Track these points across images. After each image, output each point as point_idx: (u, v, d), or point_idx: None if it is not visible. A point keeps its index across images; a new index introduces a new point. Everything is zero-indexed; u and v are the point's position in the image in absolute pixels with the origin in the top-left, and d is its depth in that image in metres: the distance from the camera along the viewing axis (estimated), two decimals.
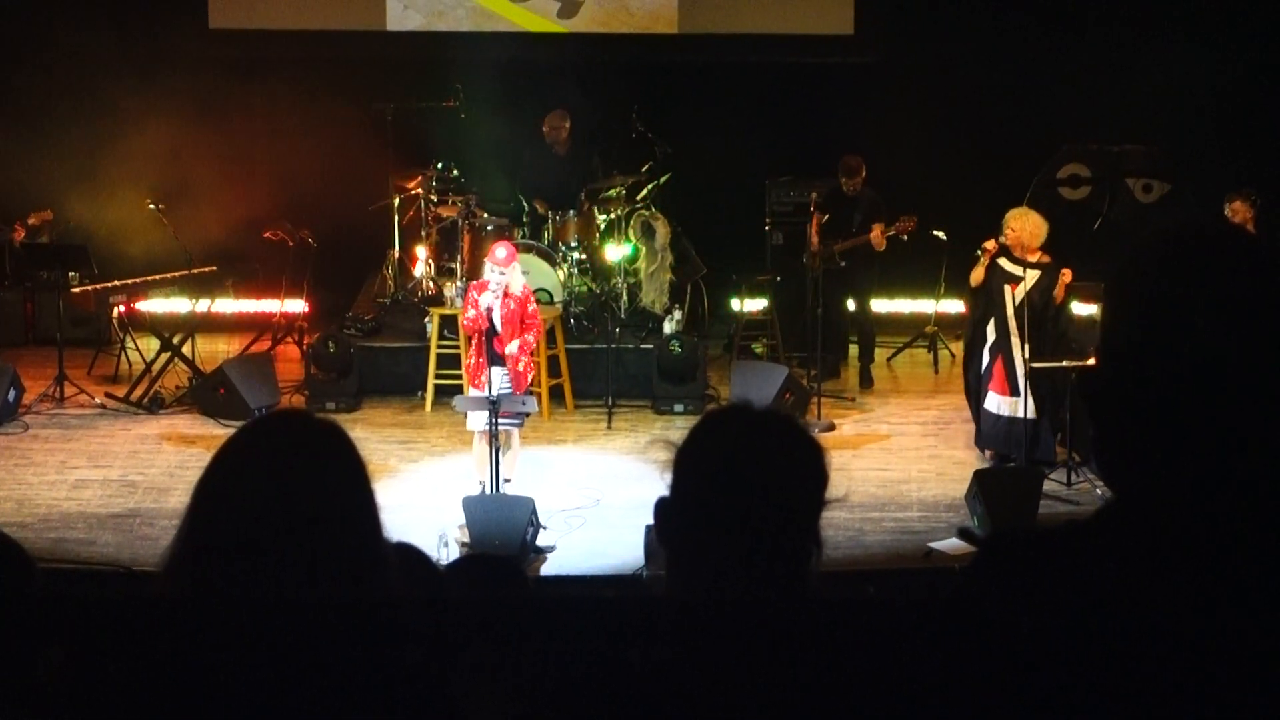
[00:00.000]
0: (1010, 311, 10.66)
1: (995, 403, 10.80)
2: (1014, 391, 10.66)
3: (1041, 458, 10.65)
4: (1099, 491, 9.98)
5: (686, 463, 2.33)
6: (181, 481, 10.43)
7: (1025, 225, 10.67)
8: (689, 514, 2.31)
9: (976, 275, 10.84)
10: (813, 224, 12.88)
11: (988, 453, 11.01)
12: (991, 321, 10.81)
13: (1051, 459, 10.67)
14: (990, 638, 1.88)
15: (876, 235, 12.61)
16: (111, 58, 13.92)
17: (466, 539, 9.45)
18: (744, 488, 2.28)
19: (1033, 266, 10.64)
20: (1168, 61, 13.47)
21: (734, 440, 2.33)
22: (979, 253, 10.83)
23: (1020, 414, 10.63)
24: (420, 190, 13.58)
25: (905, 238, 12.65)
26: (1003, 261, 10.74)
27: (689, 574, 2.31)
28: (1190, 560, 1.86)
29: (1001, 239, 10.74)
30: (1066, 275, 10.57)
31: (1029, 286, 10.61)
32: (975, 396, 11.07)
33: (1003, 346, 10.72)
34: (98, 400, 12.37)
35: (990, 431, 10.87)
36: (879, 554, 9.44)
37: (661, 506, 2.35)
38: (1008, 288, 10.67)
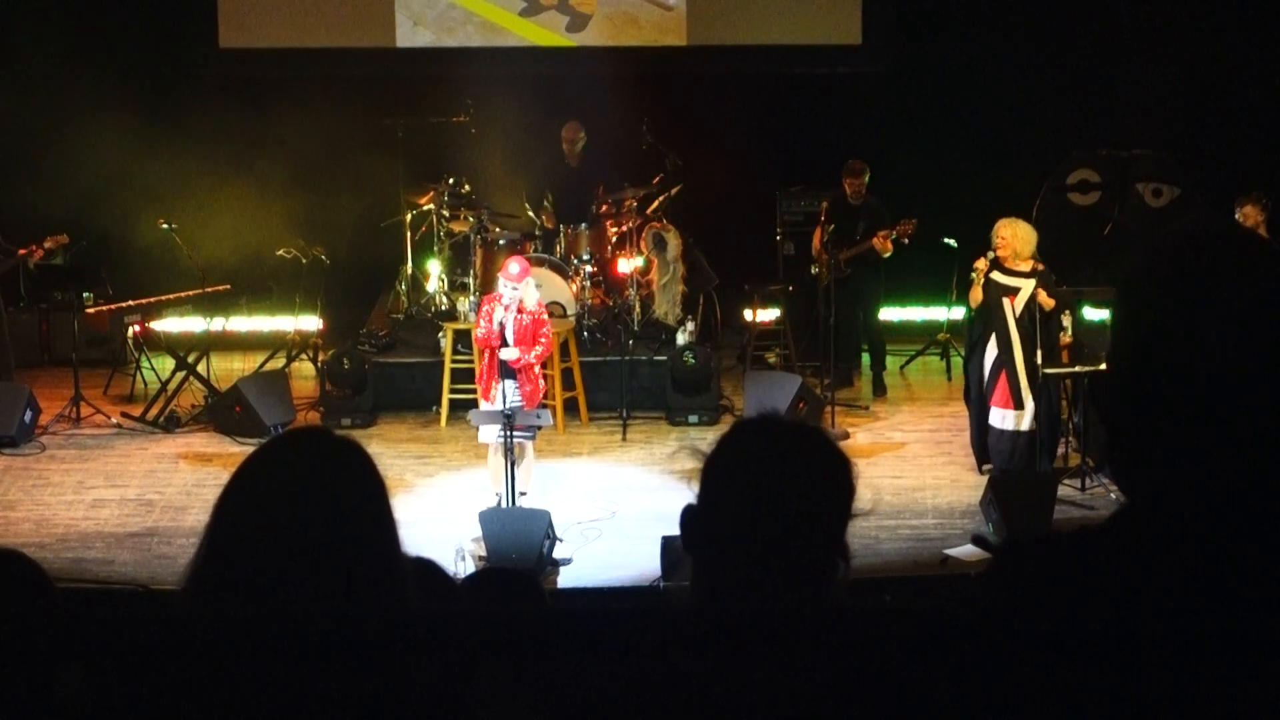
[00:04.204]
0: (1011, 324, 10.60)
1: (999, 417, 10.72)
2: (1018, 404, 10.61)
3: (1044, 469, 10.60)
4: (1114, 496, 9.96)
5: (715, 472, 2.33)
6: (199, 500, 10.45)
7: (1016, 233, 10.64)
8: (717, 523, 2.31)
9: (975, 296, 10.76)
10: (816, 233, 12.91)
11: (985, 466, 10.90)
12: (992, 337, 10.73)
13: (1050, 469, 10.61)
14: (1007, 644, 1.88)
15: (880, 241, 12.64)
16: (123, 78, 13.97)
17: (483, 553, 9.46)
18: (772, 498, 2.28)
19: (1027, 276, 10.60)
20: (1176, 66, 13.47)
21: (763, 451, 2.33)
22: (973, 274, 10.79)
23: (1024, 427, 10.60)
24: (432, 206, 13.60)
25: (906, 240, 12.66)
26: (996, 275, 10.66)
27: (714, 583, 2.31)
28: (1204, 563, 1.86)
29: (991, 253, 10.67)
30: (1042, 296, 10.53)
31: (1026, 296, 10.57)
32: (976, 408, 11.01)
33: (1005, 361, 10.62)
34: (114, 420, 12.39)
35: (995, 446, 10.78)
36: (896, 561, 9.45)
37: (689, 515, 2.35)
38: (1006, 300, 10.61)
